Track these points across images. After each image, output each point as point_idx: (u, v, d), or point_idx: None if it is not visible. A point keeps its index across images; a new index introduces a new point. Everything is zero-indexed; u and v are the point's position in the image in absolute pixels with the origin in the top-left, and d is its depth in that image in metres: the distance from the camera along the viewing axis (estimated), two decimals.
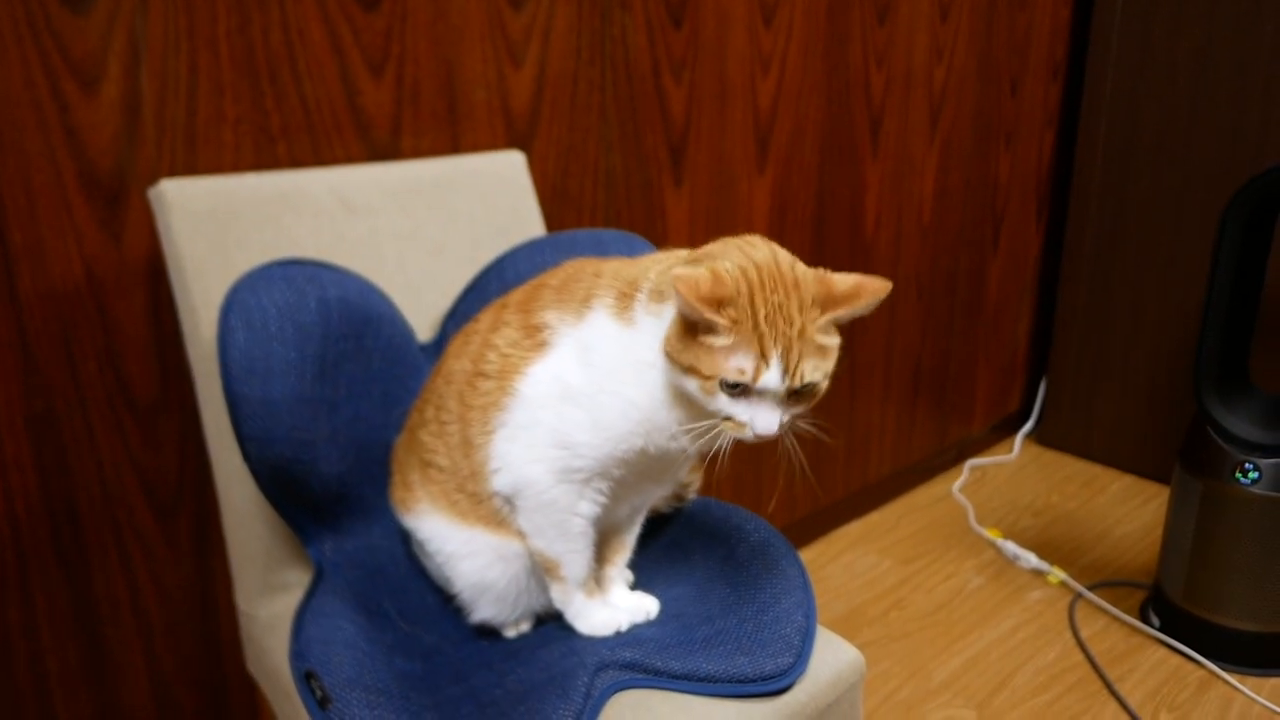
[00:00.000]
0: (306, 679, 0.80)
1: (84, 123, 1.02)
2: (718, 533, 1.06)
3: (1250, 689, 1.58)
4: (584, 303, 0.86)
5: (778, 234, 1.76)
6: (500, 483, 0.87)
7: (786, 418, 0.77)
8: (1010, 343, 2.46)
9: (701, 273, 0.74)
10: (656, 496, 0.96)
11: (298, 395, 0.91)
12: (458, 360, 0.92)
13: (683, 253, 0.86)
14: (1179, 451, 1.67)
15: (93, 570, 1.13)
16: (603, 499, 0.88)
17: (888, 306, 2.03)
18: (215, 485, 1.04)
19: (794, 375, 0.75)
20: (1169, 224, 2.15)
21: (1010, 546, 1.97)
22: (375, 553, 1.02)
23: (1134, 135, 2.16)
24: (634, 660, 0.89)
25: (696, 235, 1.64)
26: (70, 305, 1.05)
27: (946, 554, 2.00)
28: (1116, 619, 1.77)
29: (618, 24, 1.43)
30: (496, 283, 1.12)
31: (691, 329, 0.76)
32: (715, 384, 0.75)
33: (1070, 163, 2.36)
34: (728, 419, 0.77)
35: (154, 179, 1.07)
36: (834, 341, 0.78)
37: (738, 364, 0.74)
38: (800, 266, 0.78)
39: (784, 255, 0.79)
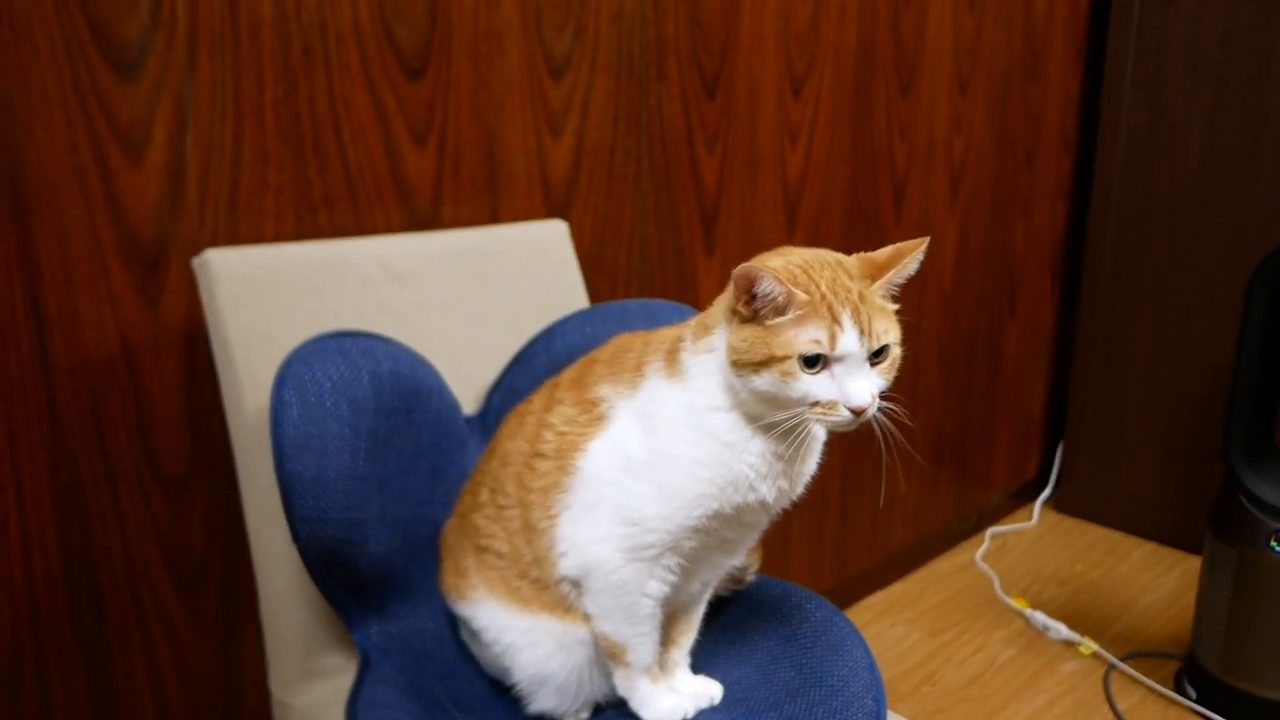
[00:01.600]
0: None
1: (126, 189, 1.00)
2: (777, 612, 1.02)
3: None
4: (636, 371, 0.84)
5: None
6: (567, 566, 0.83)
7: (875, 389, 0.75)
8: (1028, 408, 2.44)
9: (763, 258, 0.77)
10: (726, 570, 0.92)
11: (350, 473, 0.87)
12: (513, 441, 0.88)
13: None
14: (1209, 519, 1.65)
15: (113, 652, 1.07)
16: (673, 577, 0.84)
17: (910, 372, 2.02)
18: (254, 566, 0.99)
19: (869, 334, 0.74)
20: (1182, 290, 2.16)
21: (1040, 617, 1.93)
22: (423, 637, 0.97)
23: (1146, 202, 2.18)
24: None
25: None
26: (103, 375, 1.01)
27: (975, 625, 1.95)
28: (1152, 690, 1.73)
29: (654, 94, 1.43)
30: (544, 354, 1.10)
31: (754, 320, 0.75)
32: (794, 362, 0.73)
33: (1083, 231, 2.38)
34: (815, 405, 0.74)
35: (195, 246, 1.04)
36: (894, 307, 0.78)
37: (812, 335, 0.73)
38: (839, 254, 0.80)
39: (821, 250, 0.80)
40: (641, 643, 0.85)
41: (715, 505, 0.79)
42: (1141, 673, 1.77)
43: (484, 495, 0.90)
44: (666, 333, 0.85)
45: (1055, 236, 2.37)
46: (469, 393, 1.13)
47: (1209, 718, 1.64)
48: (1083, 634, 1.89)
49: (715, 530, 0.82)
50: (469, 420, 1.10)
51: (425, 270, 1.11)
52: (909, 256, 0.78)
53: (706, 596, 0.94)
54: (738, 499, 0.79)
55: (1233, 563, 1.59)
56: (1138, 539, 2.33)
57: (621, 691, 0.88)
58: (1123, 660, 1.80)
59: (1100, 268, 2.28)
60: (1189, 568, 2.19)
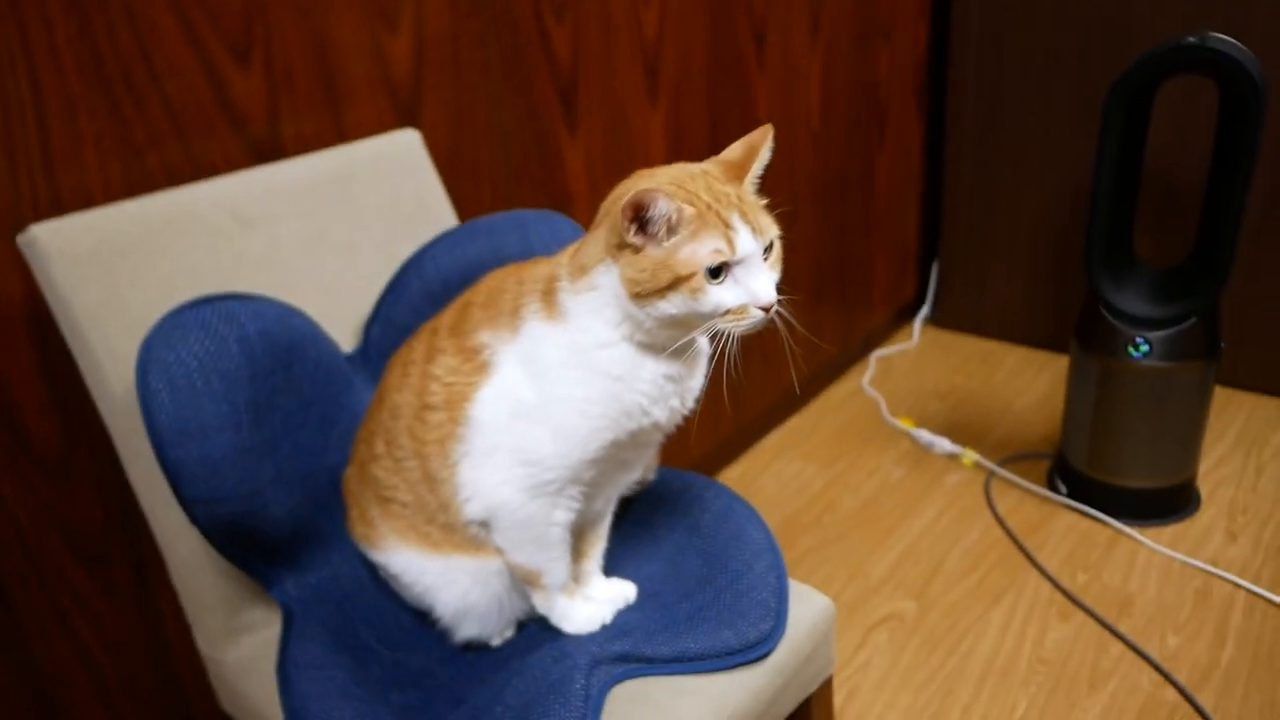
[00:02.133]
0: None
1: None
2: (680, 504, 1.07)
3: (1150, 539, 1.73)
4: (514, 315, 0.83)
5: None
6: (473, 510, 0.85)
7: (773, 283, 0.78)
8: (902, 233, 2.52)
9: (631, 184, 0.79)
10: (628, 483, 0.95)
11: (236, 447, 0.85)
12: (400, 393, 0.87)
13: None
14: (1074, 331, 1.76)
15: (30, 637, 1.06)
16: (577, 504, 0.87)
17: (787, 216, 2.04)
18: (156, 539, 0.98)
19: (759, 231, 0.76)
20: (1043, 107, 2.21)
21: (924, 435, 2.07)
22: (340, 581, 0.99)
23: (1006, 21, 2.19)
24: (624, 652, 0.90)
25: (596, 180, 1.60)
26: None
27: (866, 450, 2.08)
28: (1028, 491, 1.90)
29: None
30: (417, 280, 1.07)
31: (645, 246, 0.75)
32: (700, 277, 0.74)
33: (945, 52, 2.38)
34: (726, 314, 0.76)
35: (17, 219, 0.96)
36: (763, 202, 0.80)
37: (711, 245, 0.74)
38: (697, 164, 0.82)
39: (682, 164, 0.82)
40: (554, 566, 0.89)
41: (610, 436, 0.81)
42: (1018, 475, 1.94)
43: (379, 447, 0.89)
44: (539, 270, 0.84)
45: (918, 60, 2.37)
46: (348, 329, 1.10)
47: (1079, 509, 1.82)
48: (964, 445, 2.04)
49: (613, 456, 0.84)
50: (350, 358, 1.07)
51: (276, 209, 1.05)
52: (761, 147, 0.80)
53: (611, 509, 0.97)
54: (632, 426, 0.81)
55: (1096, 369, 1.72)
56: (1010, 345, 2.49)
57: (541, 610, 0.93)
58: (1000, 465, 1.96)
59: (964, 89, 2.31)
60: (1058, 368, 2.36)
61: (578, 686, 0.86)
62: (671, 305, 0.75)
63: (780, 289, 0.80)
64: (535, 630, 0.96)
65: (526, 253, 1.07)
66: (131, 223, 0.95)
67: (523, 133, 1.46)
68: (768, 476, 2.03)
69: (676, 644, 0.91)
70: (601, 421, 0.80)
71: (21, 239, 0.90)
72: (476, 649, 0.96)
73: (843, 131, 2.16)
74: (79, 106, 0.99)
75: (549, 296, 0.81)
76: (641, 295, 0.75)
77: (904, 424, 2.14)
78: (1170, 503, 1.78)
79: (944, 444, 2.03)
